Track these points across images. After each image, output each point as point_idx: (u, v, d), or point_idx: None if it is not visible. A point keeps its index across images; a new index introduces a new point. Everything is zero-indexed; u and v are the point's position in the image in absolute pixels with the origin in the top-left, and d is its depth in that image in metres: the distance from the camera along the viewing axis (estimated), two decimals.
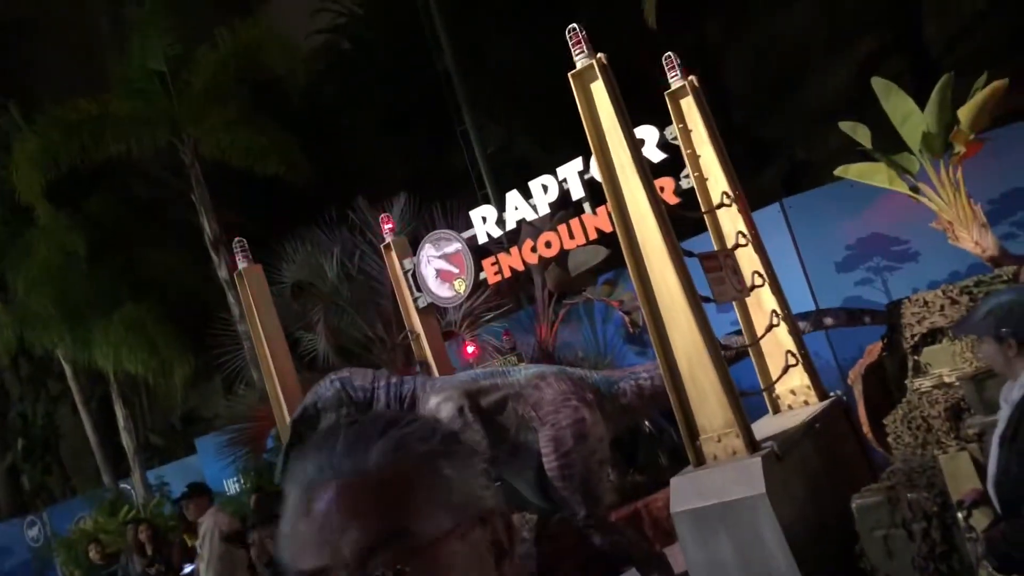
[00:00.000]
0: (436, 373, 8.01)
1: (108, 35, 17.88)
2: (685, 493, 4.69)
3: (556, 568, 7.55)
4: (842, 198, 8.44)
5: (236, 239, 7.33)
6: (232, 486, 14.24)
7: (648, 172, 5.10)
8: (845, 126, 7.60)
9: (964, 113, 6.78)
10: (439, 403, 5.88)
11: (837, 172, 7.77)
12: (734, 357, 6.09)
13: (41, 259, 16.80)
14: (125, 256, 17.91)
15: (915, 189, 7.38)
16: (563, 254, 9.23)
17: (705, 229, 6.19)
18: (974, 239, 7.09)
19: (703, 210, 5.94)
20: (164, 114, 14.81)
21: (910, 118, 7.19)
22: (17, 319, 18.02)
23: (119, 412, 18.79)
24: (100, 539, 12.13)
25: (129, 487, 19.12)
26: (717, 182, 5.98)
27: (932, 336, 4.94)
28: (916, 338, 5.02)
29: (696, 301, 4.84)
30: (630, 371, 6.72)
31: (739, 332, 6.34)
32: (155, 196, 19.22)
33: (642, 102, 6.32)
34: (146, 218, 19.23)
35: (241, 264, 7.32)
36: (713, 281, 5.29)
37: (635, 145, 5.05)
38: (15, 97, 18.44)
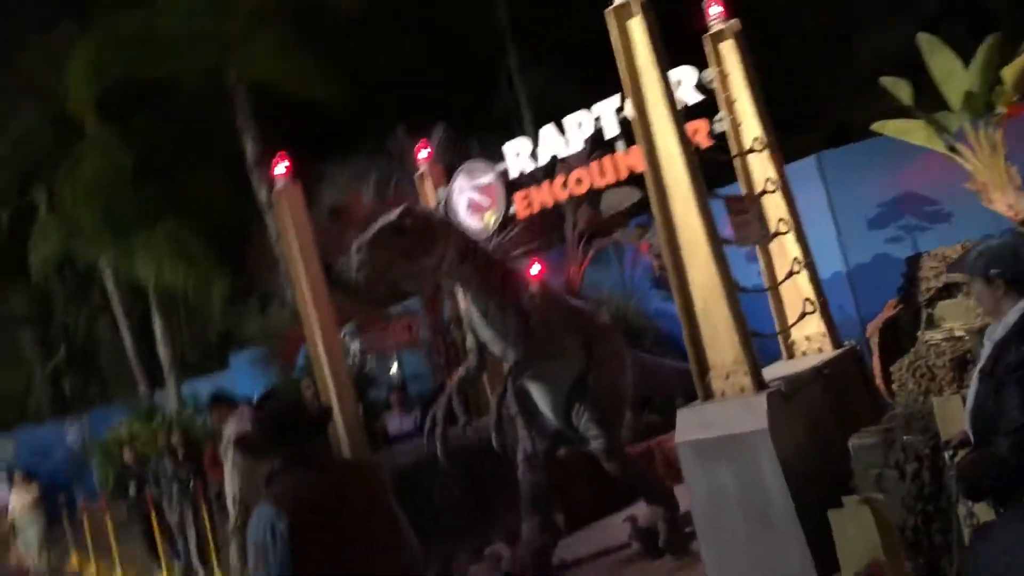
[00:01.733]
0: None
1: None
2: (690, 425, 4.86)
3: (567, 494, 7.81)
4: (879, 154, 8.42)
5: (277, 155, 7.50)
6: None
7: (679, 113, 5.17)
8: (887, 81, 7.55)
9: (1008, 73, 6.72)
10: (526, 279, 6.16)
11: (875, 127, 7.75)
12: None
13: (89, 172, 17.18)
14: (169, 174, 18.24)
15: (952, 149, 7.35)
16: (596, 194, 9.33)
17: (736, 179, 6.24)
18: (1008, 202, 7.08)
19: (734, 154, 6.00)
20: (212, 35, 14.95)
21: (953, 76, 7.14)
22: (64, 230, 18.52)
23: (157, 326, 19.35)
24: (134, 443, 12.65)
25: (163, 398, 19.77)
26: (750, 128, 6.01)
27: (948, 291, 5.01)
28: (931, 292, 5.10)
29: (717, 241, 4.94)
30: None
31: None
32: (200, 117, 19.44)
33: (685, 43, 6.35)
34: (190, 138, 19.51)
35: (280, 184, 7.51)
36: (737, 224, 5.39)
37: (668, 85, 5.11)
38: (70, 10, 18.67)
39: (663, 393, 7.55)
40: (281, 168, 7.49)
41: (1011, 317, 2.72)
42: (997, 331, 2.76)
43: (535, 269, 9.74)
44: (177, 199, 17.82)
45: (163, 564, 10.91)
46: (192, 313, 24.62)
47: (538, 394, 6.62)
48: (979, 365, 2.79)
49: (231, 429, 7.30)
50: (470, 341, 6.65)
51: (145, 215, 17.35)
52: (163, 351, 19.31)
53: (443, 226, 6.05)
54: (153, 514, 10.93)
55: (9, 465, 22.97)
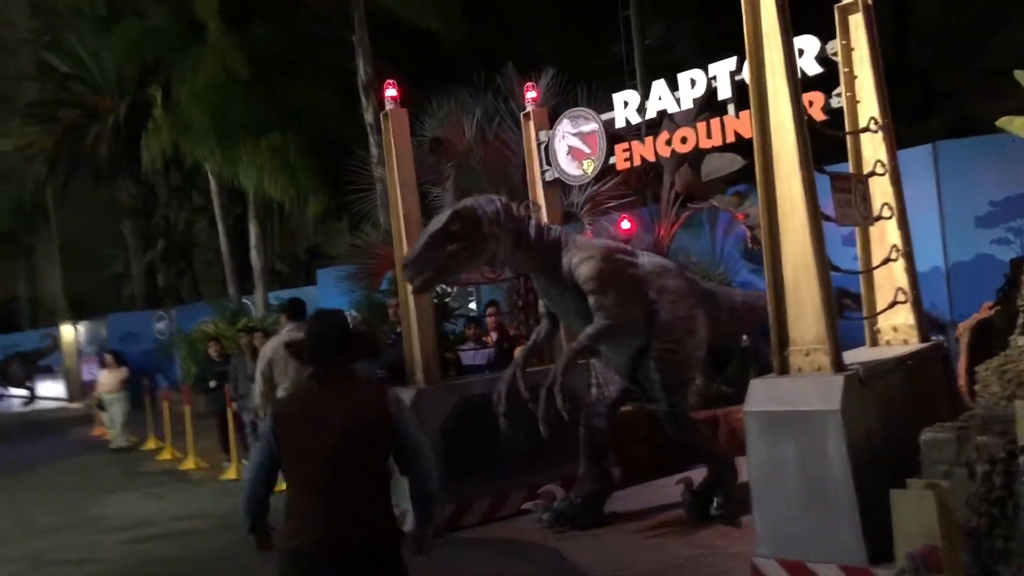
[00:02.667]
0: None
1: None
2: (761, 396, 4.85)
3: (626, 449, 7.90)
4: (999, 152, 8.09)
5: (388, 80, 7.63)
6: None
7: (798, 80, 5.05)
8: (1021, 75, 7.20)
9: None
10: (581, 259, 6.19)
11: (999, 123, 7.40)
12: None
13: (205, 75, 17.66)
14: (280, 86, 18.62)
15: None
16: (698, 157, 9.22)
17: (845, 159, 6.09)
18: None
19: (847, 131, 5.85)
20: None
21: None
22: (175, 128, 19.13)
23: (252, 232, 19.96)
24: (220, 340, 13.19)
25: (250, 303, 20.49)
26: (868, 106, 5.84)
27: None
28: None
29: (816, 216, 4.86)
30: (728, 291, 7.14)
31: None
32: (316, 33, 19.72)
33: (813, 12, 6.17)
34: (304, 53, 19.84)
35: (389, 106, 7.64)
36: (839, 202, 5.27)
37: (791, 51, 4.99)
38: None
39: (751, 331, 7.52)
40: (391, 92, 7.61)
41: None
42: None
43: (625, 225, 9.73)
44: (285, 112, 18.20)
45: (232, 459, 11.43)
46: (286, 225, 25.36)
47: (605, 354, 6.69)
48: None
49: (272, 342, 7.37)
50: (543, 307, 6.80)
51: (253, 124, 17.78)
52: (255, 257, 19.93)
53: (493, 222, 6.07)
54: (229, 411, 11.43)
55: (101, 347, 24.30)
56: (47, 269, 39.43)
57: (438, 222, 6.10)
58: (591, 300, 6.13)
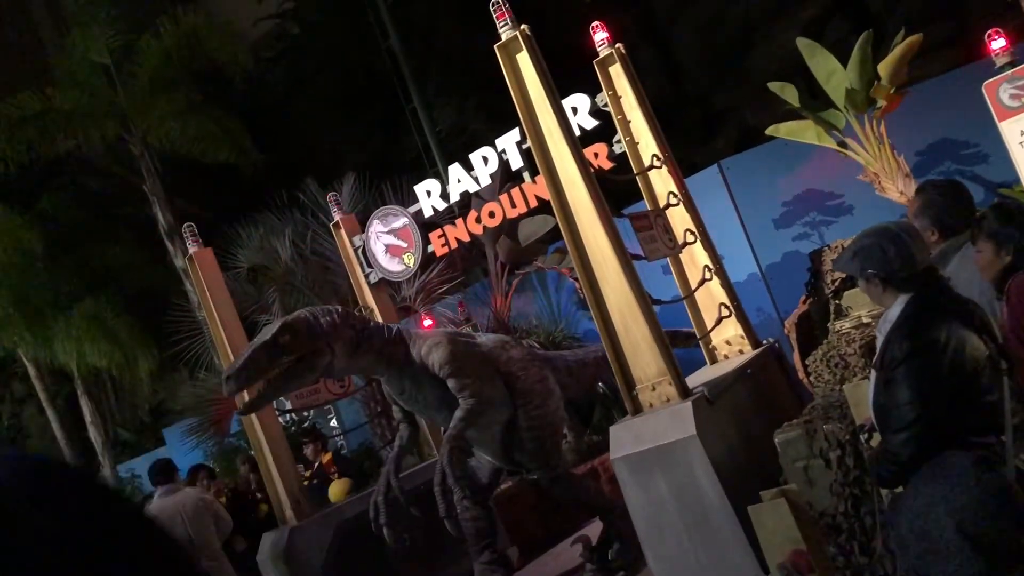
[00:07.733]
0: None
1: (48, 29, 17.69)
2: (623, 440, 4.93)
3: (519, 526, 7.82)
4: (777, 157, 8.71)
5: (185, 224, 7.43)
6: None
7: (576, 138, 5.30)
8: (774, 87, 7.85)
9: (883, 68, 7.05)
10: (431, 347, 6.02)
11: (768, 131, 8.04)
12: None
13: None
14: (82, 252, 17.83)
15: (842, 144, 7.66)
16: (512, 225, 9.47)
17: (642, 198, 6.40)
18: (899, 189, 7.40)
19: (635, 172, 6.16)
20: (110, 107, 14.76)
21: (834, 75, 7.46)
22: None
23: (85, 408, 18.77)
24: None
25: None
26: (648, 145, 6.19)
27: (852, 281, 5.20)
28: (836, 283, 5.29)
29: (626, 259, 5.06)
30: (558, 354, 7.22)
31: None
32: (108, 190, 19.10)
33: (585, 73, 6.53)
34: (100, 213, 19.15)
35: (192, 249, 7.43)
36: (644, 240, 5.51)
37: (562, 113, 5.24)
38: None
39: (592, 387, 7.63)
40: (191, 235, 7.42)
41: (893, 312, 2.81)
42: (884, 326, 2.87)
43: (427, 323, 9.78)
44: (93, 276, 17.42)
45: None
46: (121, 390, 23.98)
47: (474, 441, 6.61)
48: (875, 359, 2.89)
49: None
50: (397, 413, 6.62)
51: (61, 297, 16.91)
52: (94, 434, 18.73)
53: (325, 329, 5.76)
54: None
55: None
56: None
57: (266, 334, 5.71)
58: (451, 383, 6.02)
